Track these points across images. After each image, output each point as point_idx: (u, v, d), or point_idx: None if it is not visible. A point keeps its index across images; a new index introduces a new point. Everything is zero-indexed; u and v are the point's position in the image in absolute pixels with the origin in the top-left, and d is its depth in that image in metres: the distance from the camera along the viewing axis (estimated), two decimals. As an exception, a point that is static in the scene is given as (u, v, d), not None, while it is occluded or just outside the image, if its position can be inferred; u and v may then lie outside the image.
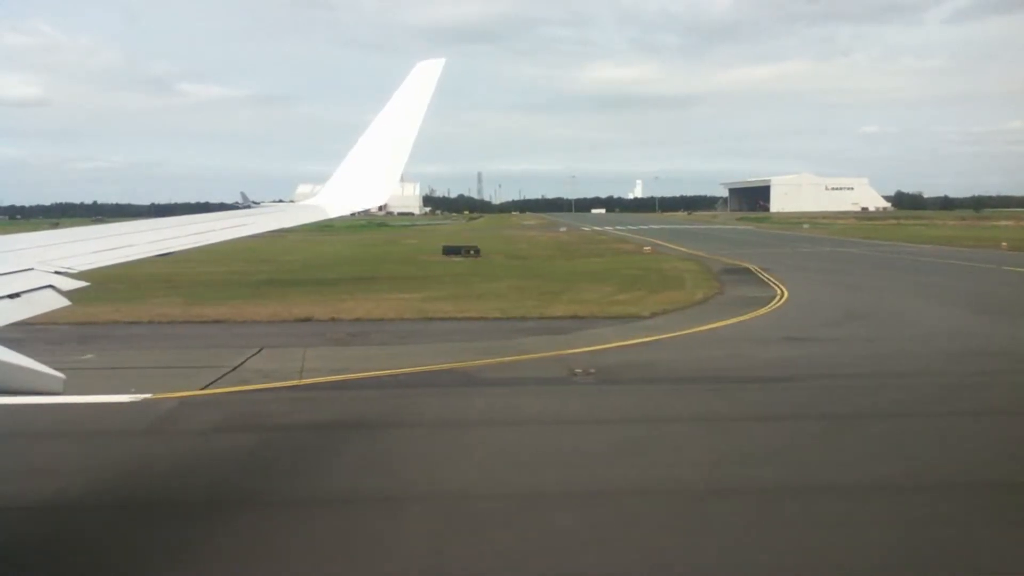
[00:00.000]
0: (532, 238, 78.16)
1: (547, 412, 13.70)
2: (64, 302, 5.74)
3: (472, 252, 54.42)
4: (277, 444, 11.90)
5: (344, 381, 15.68)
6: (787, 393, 14.92)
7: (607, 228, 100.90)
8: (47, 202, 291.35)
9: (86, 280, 6.16)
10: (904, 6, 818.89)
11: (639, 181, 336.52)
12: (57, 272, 6.13)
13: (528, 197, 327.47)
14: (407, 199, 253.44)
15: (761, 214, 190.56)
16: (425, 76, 10.74)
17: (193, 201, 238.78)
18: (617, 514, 9.00)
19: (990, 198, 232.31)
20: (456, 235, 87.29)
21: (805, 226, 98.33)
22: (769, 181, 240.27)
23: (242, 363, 17.37)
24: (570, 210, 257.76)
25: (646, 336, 20.45)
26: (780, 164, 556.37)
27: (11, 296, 5.46)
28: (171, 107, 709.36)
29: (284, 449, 11.60)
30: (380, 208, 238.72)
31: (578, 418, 13.39)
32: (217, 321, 24.45)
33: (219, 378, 15.95)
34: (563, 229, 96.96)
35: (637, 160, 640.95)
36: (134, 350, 19.77)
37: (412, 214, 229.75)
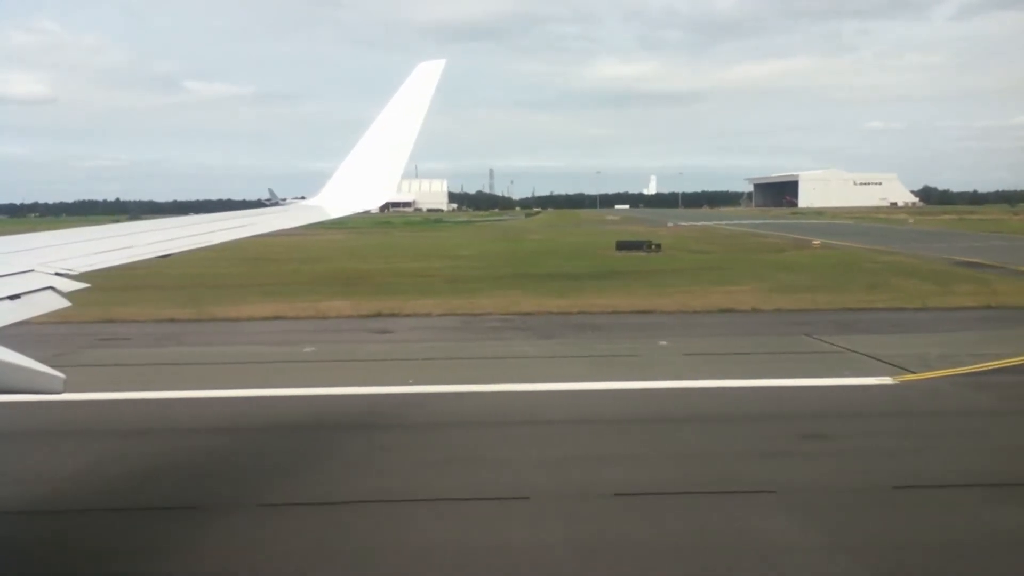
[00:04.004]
0: (656, 233, 78.20)
1: None
2: (64, 303, 5.67)
3: (654, 247, 54.94)
4: None
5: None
6: None
7: (697, 223, 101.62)
8: (69, 199, 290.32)
9: (86, 281, 6.10)
10: (909, 2, 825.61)
11: (653, 177, 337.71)
12: (57, 274, 6.09)
13: (539, 194, 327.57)
14: (435, 195, 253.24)
15: (792, 208, 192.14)
16: (425, 77, 10.78)
17: (215, 198, 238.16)
18: None
19: (1014, 193, 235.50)
20: (546, 230, 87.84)
21: (910, 221, 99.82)
22: (796, 176, 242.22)
23: (852, 349, 18.11)
24: (594, 206, 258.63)
25: None
26: (788, 160, 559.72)
27: (11, 297, 5.44)
28: (177, 105, 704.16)
29: None
30: (407, 205, 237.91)
31: None
32: (646, 312, 25.13)
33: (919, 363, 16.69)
34: (670, 224, 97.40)
35: (645, 156, 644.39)
36: (660, 338, 20.35)
37: (440, 210, 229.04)
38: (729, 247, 59.13)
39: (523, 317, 24.51)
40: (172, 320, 24.29)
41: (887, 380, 15.04)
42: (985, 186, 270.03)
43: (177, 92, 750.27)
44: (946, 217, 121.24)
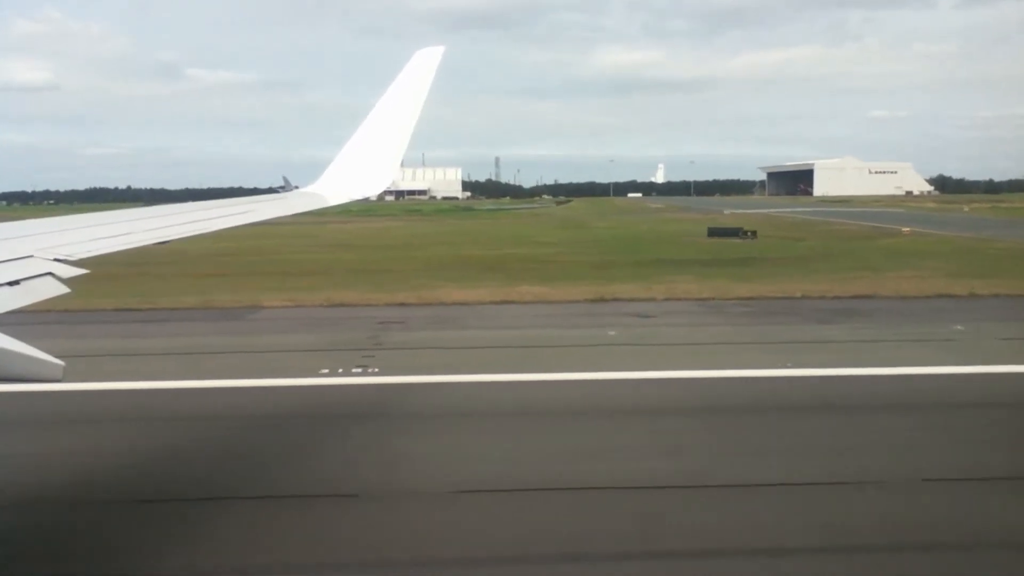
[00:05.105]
0: (717, 220, 78.27)
1: None
2: (63, 289, 5.64)
3: (749, 234, 54.81)
4: None
5: None
6: None
7: (749, 211, 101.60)
8: (79, 187, 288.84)
9: (85, 267, 6.08)
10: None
11: (661, 165, 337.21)
12: (57, 260, 6.04)
13: (546, 182, 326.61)
14: (449, 183, 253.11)
15: (812, 197, 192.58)
16: (424, 64, 10.69)
17: (226, 186, 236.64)
18: None
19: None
20: (599, 218, 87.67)
21: (965, 208, 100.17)
22: (810, 165, 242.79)
23: None
24: (606, 193, 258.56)
25: None
26: (793, 149, 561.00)
27: (10, 284, 5.40)
28: (181, 92, 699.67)
29: None
30: (422, 192, 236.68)
31: None
32: (866, 297, 24.86)
33: None
34: (727, 212, 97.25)
35: (651, 145, 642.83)
36: (942, 324, 20.17)
37: (456, 198, 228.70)
38: (816, 234, 58.92)
39: (751, 302, 24.10)
40: (403, 304, 23.96)
41: None
42: (990, 175, 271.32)
43: (181, 80, 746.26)
44: (976, 206, 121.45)
